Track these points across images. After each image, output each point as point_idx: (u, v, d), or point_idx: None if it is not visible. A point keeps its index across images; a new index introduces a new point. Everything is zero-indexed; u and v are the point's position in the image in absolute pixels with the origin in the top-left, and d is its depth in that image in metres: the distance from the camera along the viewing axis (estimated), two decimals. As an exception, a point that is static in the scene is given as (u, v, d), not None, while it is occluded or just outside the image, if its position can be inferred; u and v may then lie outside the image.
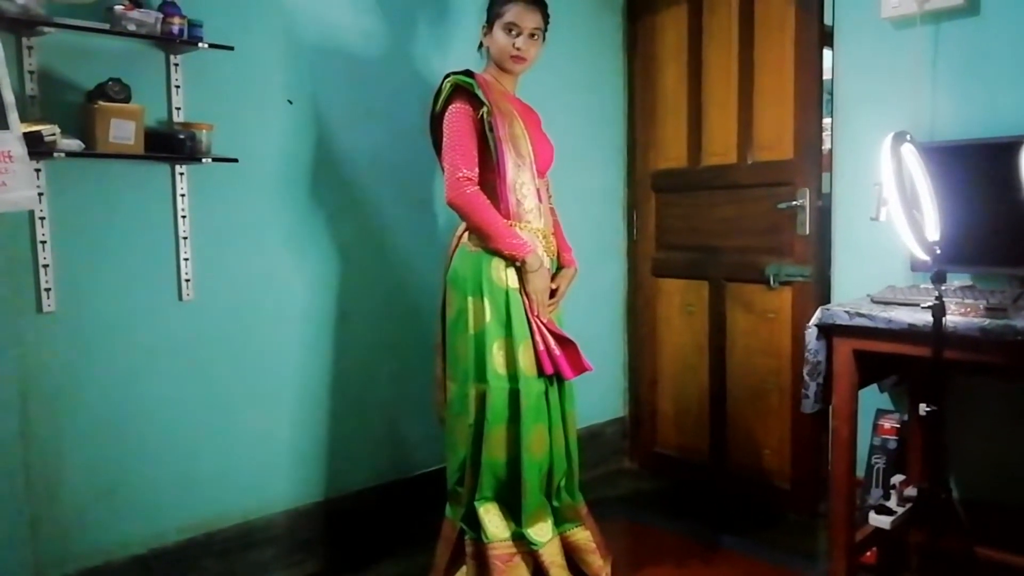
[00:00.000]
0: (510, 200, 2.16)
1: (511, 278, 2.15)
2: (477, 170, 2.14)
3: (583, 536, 2.26)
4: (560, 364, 2.15)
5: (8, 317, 1.90)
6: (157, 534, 2.20)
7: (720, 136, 3.05)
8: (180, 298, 2.20)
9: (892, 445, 2.43)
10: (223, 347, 2.29)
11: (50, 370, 2.00)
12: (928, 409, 1.76)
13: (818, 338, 2.07)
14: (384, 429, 2.66)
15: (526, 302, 2.15)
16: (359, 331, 2.58)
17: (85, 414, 2.06)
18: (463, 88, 2.17)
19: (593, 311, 3.29)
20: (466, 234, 2.21)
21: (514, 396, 2.13)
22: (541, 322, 2.16)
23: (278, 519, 2.42)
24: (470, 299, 2.15)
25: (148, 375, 2.16)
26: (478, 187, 2.14)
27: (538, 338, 2.14)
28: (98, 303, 2.06)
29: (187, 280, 2.19)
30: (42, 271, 1.96)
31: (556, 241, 2.33)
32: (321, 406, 2.51)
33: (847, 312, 2.00)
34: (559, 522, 2.22)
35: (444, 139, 2.17)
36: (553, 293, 2.23)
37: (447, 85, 2.19)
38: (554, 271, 2.29)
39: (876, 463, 2.46)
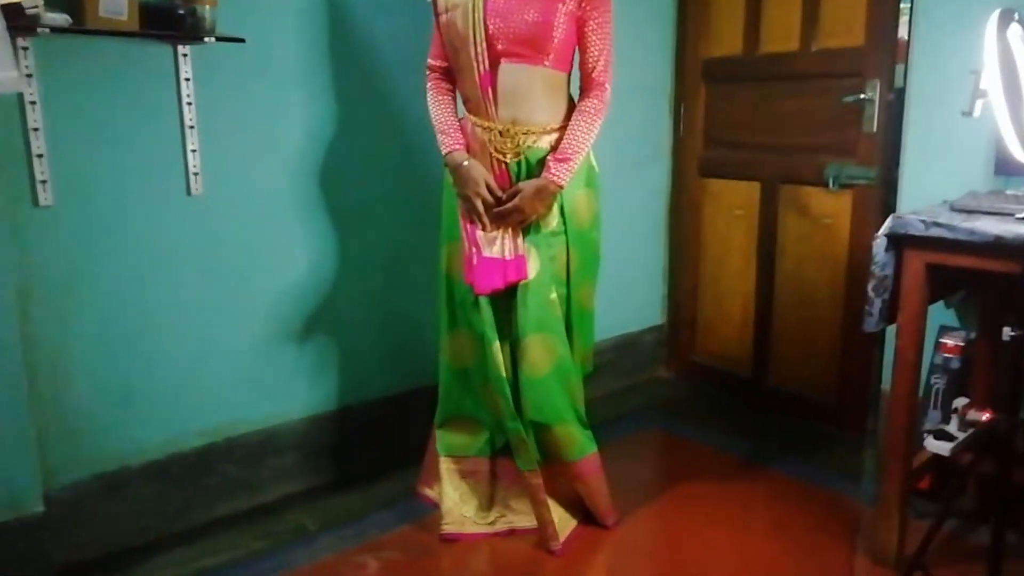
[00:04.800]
0: (458, 89, 2.04)
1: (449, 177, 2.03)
2: (440, 59, 2.04)
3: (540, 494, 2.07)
4: (474, 275, 1.96)
5: (1, 212, 1.76)
6: (174, 439, 2.12)
7: (781, 20, 2.74)
8: (189, 192, 2.04)
9: (955, 365, 2.24)
10: (236, 245, 2.15)
11: (51, 269, 1.87)
12: (1013, 333, 1.56)
13: (887, 250, 1.85)
14: (406, 336, 2.53)
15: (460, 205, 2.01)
16: (382, 233, 2.42)
17: (91, 315, 1.94)
18: None
19: (634, 214, 3.09)
20: None
21: (449, 298, 2.09)
22: (481, 229, 1.96)
23: (298, 426, 2.33)
24: (444, 196, 2.10)
25: (157, 275, 2.03)
26: (440, 76, 2.06)
27: (465, 243, 1.98)
28: (100, 197, 1.91)
29: (195, 173, 2.03)
30: (36, 161, 1.80)
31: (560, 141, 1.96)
32: (338, 311, 2.38)
33: (922, 221, 1.78)
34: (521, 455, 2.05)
35: None
36: (501, 202, 1.94)
37: None
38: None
39: (936, 383, 2.28)
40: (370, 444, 2.47)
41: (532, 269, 1.99)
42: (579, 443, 2.08)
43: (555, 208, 1.99)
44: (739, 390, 3.02)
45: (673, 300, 3.25)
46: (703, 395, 3.10)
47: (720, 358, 3.10)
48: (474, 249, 1.97)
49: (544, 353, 2.02)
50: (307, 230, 2.27)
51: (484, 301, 1.99)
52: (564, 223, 2.01)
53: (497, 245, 1.97)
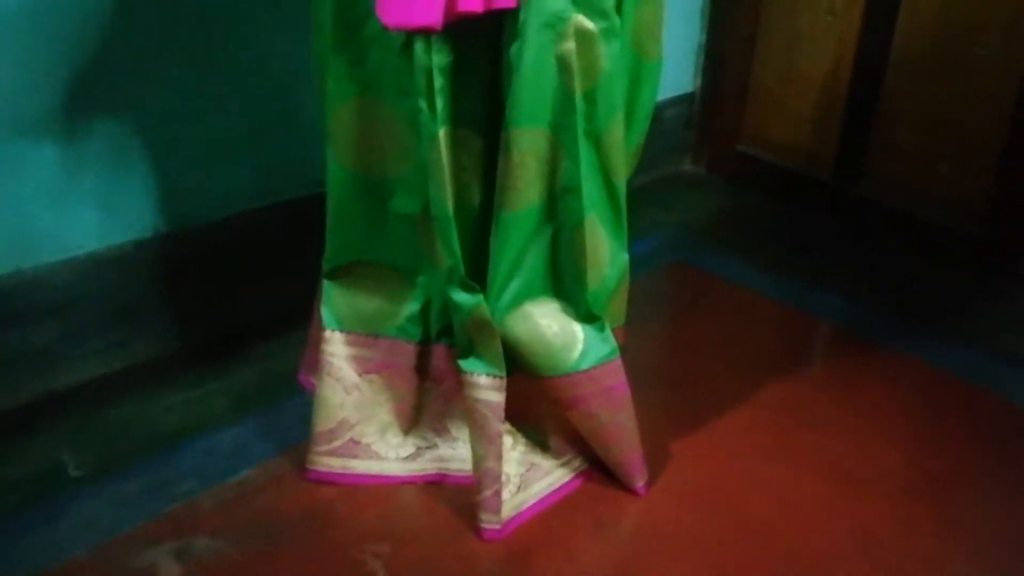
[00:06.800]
0: None
1: None
2: None
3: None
4: None
5: None
6: None
7: None
8: None
9: None
10: None
11: None
12: None
13: None
14: (271, 99, 1.40)
15: None
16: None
17: None
18: None
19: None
20: None
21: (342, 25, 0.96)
22: None
23: (64, 270, 1.25)
24: None
25: None
26: None
27: None
28: None
29: None
30: None
31: None
32: (149, 80, 1.22)
33: None
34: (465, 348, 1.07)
35: None
36: None
37: None
38: None
39: None
40: (211, 294, 1.42)
41: None
42: (578, 343, 1.06)
43: None
44: (811, 201, 1.96)
45: (715, 55, 2.08)
46: (751, 205, 2.04)
47: (784, 149, 2.01)
48: None
49: (536, 166, 0.96)
50: None
51: (421, 44, 0.89)
52: None
53: None
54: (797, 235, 1.89)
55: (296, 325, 1.34)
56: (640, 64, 1.06)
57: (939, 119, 1.71)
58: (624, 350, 1.13)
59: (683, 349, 1.51)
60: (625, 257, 1.12)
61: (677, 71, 2.09)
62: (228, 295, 1.42)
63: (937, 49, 1.67)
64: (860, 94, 1.81)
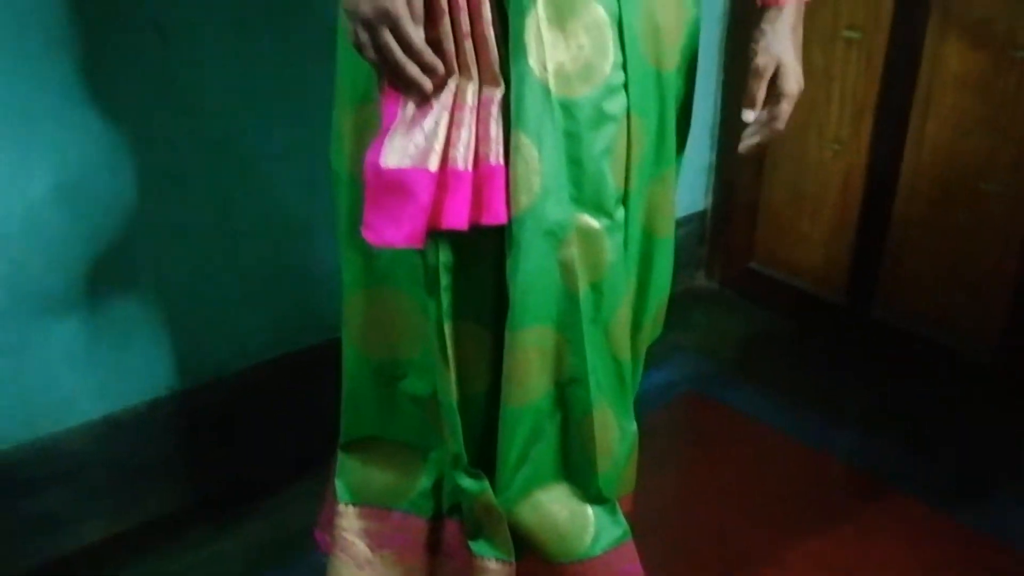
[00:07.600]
0: None
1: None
2: None
3: None
4: (367, 203, 0.85)
5: None
6: None
7: None
8: None
9: None
10: None
11: None
12: None
13: None
14: (275, 267, 1.42)
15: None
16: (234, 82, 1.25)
17: None
18: None
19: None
20: None
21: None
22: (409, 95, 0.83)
23: (71, 438, 1.27)
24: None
25: None
26: None
27: (380, 115, 0.85)
28: None
29: None
30: None
31: None
32: (157, 228, 1.26)
33: None
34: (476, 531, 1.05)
35: None
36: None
37: None
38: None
39: None
40: (225, 447, 1.42)
41: (525, 192, 0.87)
42: (589, 527, 1.05)
43: (604, 28, 0.86)
44: (825, 322, 1.95)
45: (725, 176, 2.11)
46: (765, 325, 2.03)
47: (796, 269, 2.01)
48: (379, 138, 0.84)
49: (540, 362, 0.96)
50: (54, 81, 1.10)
51: (427, 244, 0.90)
52: (625, 60, 0.88)
53: (438, 136, 0.84)
54: (812, 360, 1.88)
55: (312, 474, 1.35)
56: (651, 241, 1.06)
57: (950, 248, 1.71)
58: (632, 522, 1.12)
59: (698, 498, 1.49)
60: (633, 428, 1.12)
61: (689, 189, 2.11)
62: (242, 446, 1.43)
63: (944, 183, 1.68)
64: (870, 221, 1.82)
